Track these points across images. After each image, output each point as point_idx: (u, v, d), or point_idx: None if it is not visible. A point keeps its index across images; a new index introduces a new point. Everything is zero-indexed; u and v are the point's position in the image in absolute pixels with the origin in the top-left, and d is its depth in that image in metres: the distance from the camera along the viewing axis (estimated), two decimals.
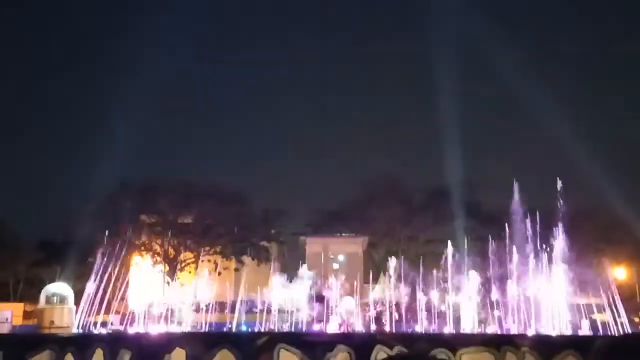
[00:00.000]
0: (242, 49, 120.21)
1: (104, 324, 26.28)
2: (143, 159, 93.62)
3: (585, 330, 27.12)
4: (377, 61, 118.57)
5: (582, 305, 35.58)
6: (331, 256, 62.85)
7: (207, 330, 23.01)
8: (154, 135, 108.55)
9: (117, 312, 35.83)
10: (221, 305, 39.09)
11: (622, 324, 28.30)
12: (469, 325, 27.30)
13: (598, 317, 37.04)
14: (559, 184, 33.54)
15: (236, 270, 54.59)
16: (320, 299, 35.41)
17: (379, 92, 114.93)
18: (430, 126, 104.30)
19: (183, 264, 55.56)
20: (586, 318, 32.53)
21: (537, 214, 36.11)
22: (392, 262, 35.34)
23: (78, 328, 19.36)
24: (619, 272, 57.23)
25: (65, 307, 18.69)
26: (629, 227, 54.96)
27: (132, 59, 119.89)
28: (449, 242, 31.51)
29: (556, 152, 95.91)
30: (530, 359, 10.08)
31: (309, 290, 34.68)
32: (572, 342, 10.79)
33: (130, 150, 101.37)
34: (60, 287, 21.20)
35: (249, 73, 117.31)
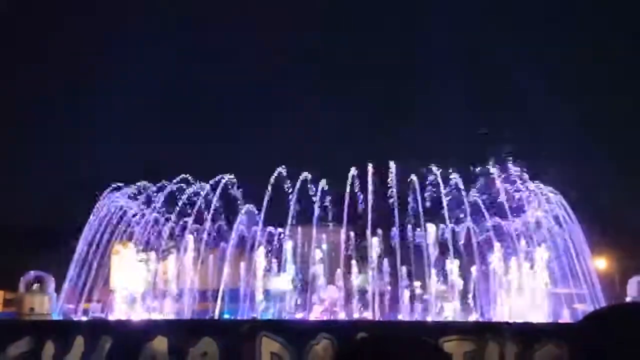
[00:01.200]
0: (216, 42, 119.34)
1: (85, 311, 26.12)
2: (127, 144, 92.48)
3: (565, 319, 27.56)
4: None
5: (563, 295, 36.13)
6: (315, 245, 62.95)
7: (189, 318, 22.98)
8: (134, 126, 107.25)
9: (99, 300, 35.63)
10: (203, 294, 39.03)
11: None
12: (451, 314, 27.59)
13: (579, 306, 37.63)
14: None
15: (218, 258, 54.50)
16: (303, 287, 35.51)
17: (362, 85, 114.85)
18: (413, 114, 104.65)
19: (165, 252, 55.35)
20: (567, 308, 33.05)
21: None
22: (375, 245, 35.55)
23: (59, 315, 19.20)
24: (599, 262, 58.18)
25: (46, 294, 18.54)
26: (609, 217, 55.84)
27: (113, 53, 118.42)
28: (431, 229, 31.66)
29: (538, 141, 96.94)
30: (512, 346, 10.22)
31: (292, 278, 34.75)
32: (553, 330, 10.95)
33: (113, 139, 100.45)
34: (40, 274, 21.01)
35: (223, 68, 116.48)
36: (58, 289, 22.94)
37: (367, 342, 1.46)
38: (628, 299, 26.28)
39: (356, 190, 60.10)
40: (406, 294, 31.47)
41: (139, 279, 52.17)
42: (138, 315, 22.51)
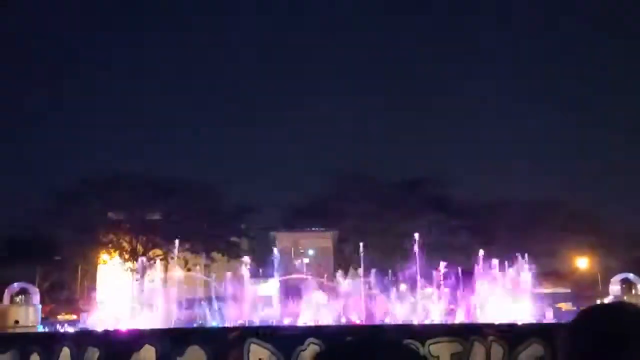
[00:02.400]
0: (207, 40, 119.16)
1: (71, 323, 25.77)
2: (108, 155, 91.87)
3: (549, 318, 27.74)
4: (344, 53, 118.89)
5: (546, 294, 36.46)
6: (301, 251, 62.92)
7: (176, 326, 22.78)
8: (118, 131, 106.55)
9: (85, 311, 35.25)
10: (191, 302, 38.73)
11: None
12: (438, 317, 27.65)
13: (562, 305, 38.02)
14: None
15: (206, 266, 54.23)
16: (290, 293, 35.38)
17: (348, 85, 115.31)
18: (399, 120, 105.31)
19: (152, 261, 54.88)
20: (550, 307, 33.28)
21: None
22: (362, 255, 35.55)
23: (44, 327, 18.93)
24: (582, 262, 58.78)
25: (31, 306, 18.24)
26: (591, 218, 56.49)
27: (94, 49, 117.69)
28: (416, 235, 31.80)
29: (520, 143, 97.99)
30: (497, 348, 10.28)
31: (279, 285, 34.61)
32: (537, 330, 11.03)
33: (94, 147, 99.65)
34: (25, 286, 20.69)
35: (214, 68, 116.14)
36: (43, 301, 22.66)
37: (344, 347, 1.45)
38: (610, 298, 26.57)
39: (343, 195, 60.44)
40: (393, 297, 31.50)
41: (126, 288, 51.75)
42: (125, 325, 22.26)
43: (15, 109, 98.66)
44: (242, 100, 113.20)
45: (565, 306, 40.57)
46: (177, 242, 43.20)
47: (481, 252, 31.90)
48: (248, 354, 10.14)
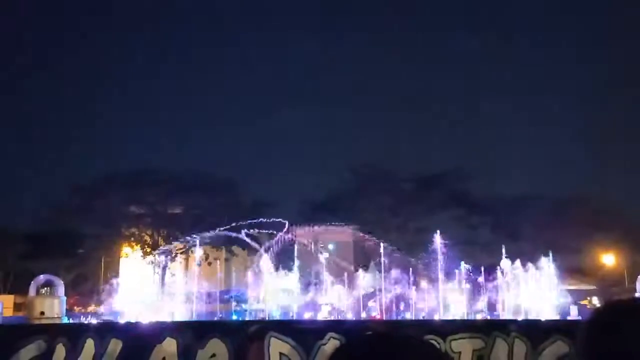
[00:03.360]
0: (224, 35, 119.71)
1: (94, 314, 26.23)
2: (130, 150, 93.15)
3: (573, 315, 27.42)
4: (363, 48, 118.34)
5: (571, 291, 35.98)
6: (321, 245, 63.05)
7: (197, 319, 23.03)
8: (140, 128, 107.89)
9: (108, 303, 35.78)
10: (211, 295, 39.15)
11: None
12: (459, 313, 27.53)
13: (587, 302, 37.52)
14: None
15: (226, 260, 54.65)
16: (311, 287, 35.52)
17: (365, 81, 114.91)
18: (419, 113, 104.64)
19: (173, 255, 55.49)
20: (575, 304, 32.88)
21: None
22: (382, 250, 35.47)
23: (68, 319, 19.30)
24: (608, 258, 57.89)
25: (56, 297, 18.62)
26: (617, 213, 55.57)
27: (115, 47, 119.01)
28: (438, 231, 31.62)
29: (543, 139, 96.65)
30: (520, 344, 10.17)
31: (298, 279, 34.77)
32: (561, 327, 10.89)
33: (117, 142, 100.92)
34: (50, 278, 21.11)
35: (231, 64, 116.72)
36: (68, 293, 23.07)
37: (366, 341, 1.45)
38: (638, 294, 26.14)
39: (363, 189, 60.35)
40: (414, 292, 31.43)
41: (148, 282, 52.42)
42: (147, 317, 22.58)
43: (40, 106, 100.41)
44: (261, 96, 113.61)
45: (590, 303, 40.04)
46: (198, 236, 43.62)
47: (503, 248, 31.67)
48: (269, 347, 10.19)
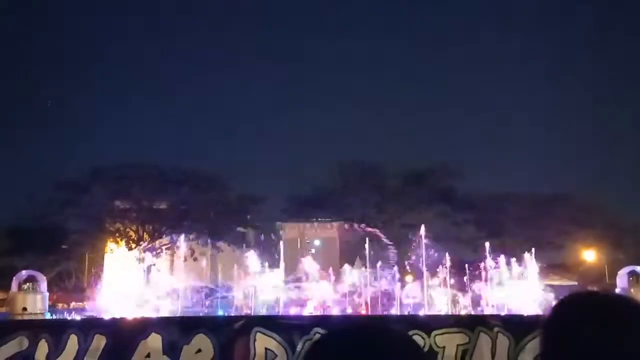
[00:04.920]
0: (212, 29, 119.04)
1: (78, 310, 25.96)
2: (115, 144, 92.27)
3: None
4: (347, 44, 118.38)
5: (553, 286, 36.31)
6: (307, 241, 63.08)
7: (182, 315, 22.91)
8: (125, 120, 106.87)
9: (92, 299, 35.44)
10: (197, 291, 38.95)
11: None
12: (444, 308, 27.69)
13: None
14: None
15: (212, 256, 54.46)
16: (296, 283, 35.47)
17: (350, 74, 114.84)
18: (405, 109, 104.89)
19: (159, 250, 55.16)
20: (557, 299, 33.20)
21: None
22: (367, 246, 35.57)
23: (51, 315, 19.08)
24: (589, 255, 58.62)
25: (38, 293, 18.38)
26: (598, 211, 56.29)
27: (100, 38, 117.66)
28: (422, 226, 31.74)
29: (528, 138, 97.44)
30: (503, 338, 10.26)
31: (284, 275, 34.72)
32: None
33: (102, 136, 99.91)
34: (32, 273, 20.83)
35: (217, 58, 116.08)
36: (50, 289, 22.83)
37: (347, 332, 1.44)
38: (618, 290, 26.47)
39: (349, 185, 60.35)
40: (399, 288, 31.54)
41: (133, 278, 51.98)
42: (132, 313, 22.41)
43: (21, 98, 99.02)
44: (246, 92, 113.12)
45: None
46: (182, 232, 43.42)
47: (487, 244, 31.87)
48: (254, 342, 10.18)
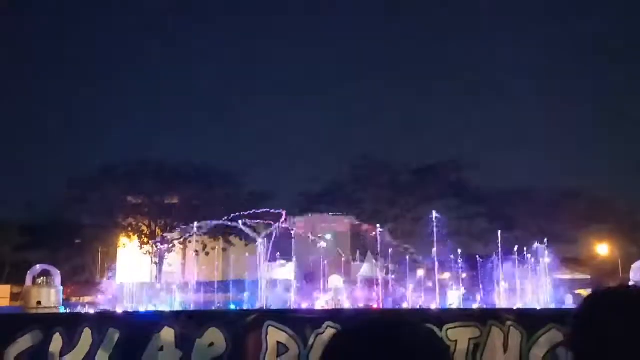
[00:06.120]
0: (219, 25, 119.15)
1: (91, 304, 26.20)
2: (128, 141, 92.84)
3: (568, 304, 27.57)
4: (358, 39, 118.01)
5: (566, 280, 36.15)
6: (319, 235, 63.06)
7: (195, 309, 23.07)
8: (138, 118, 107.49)
9: (105, 293, 35.79)
10: (209, 285, 39.21)
11: None
12: (456, 302, 27.63)
13: (582, 292, 37.67)
14: None
15: (224, 250, 54.65)
16: (307, 277, 35.61)
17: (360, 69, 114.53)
18: (415, 103, 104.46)
19: (170, 245, 55.48)
20: (570, 293, 33.04)
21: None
22: (379, 238, 35.54)
23: (65, 308, 19.29)
24: (602, 249, 58.19)
25: (52, 287, 18.59)
26: (611, 205, 55.83)
27: (112, 34, 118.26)
28: (434, 214, 31.45)
29: (539, 132, 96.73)
30: (515, 332, 10.21)
31: (295, 269, 34.84)
32: (556, 315, 10.93)
33: (115, 133, 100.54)
34: (47, 268, 21.07)
35: (232, 57, 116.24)
36: (64, 283, 23.10)
37: (364, 327, 1.43)
38: (631, 284, 26.26)
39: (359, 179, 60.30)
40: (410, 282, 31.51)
41: (145, 272, 52.39)
42: (144, 307, 22.61)
43: (35, 94, 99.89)
44: (259, 87, 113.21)
45: (585, 292, 40.23)
46: (195, 225, 43.60)
47: (499, 237, 31.73)
48: (266, 336, 10.21)
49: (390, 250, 36.85)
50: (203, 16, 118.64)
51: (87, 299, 40.79)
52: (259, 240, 32.66)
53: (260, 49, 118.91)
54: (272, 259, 36.36)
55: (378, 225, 35.82)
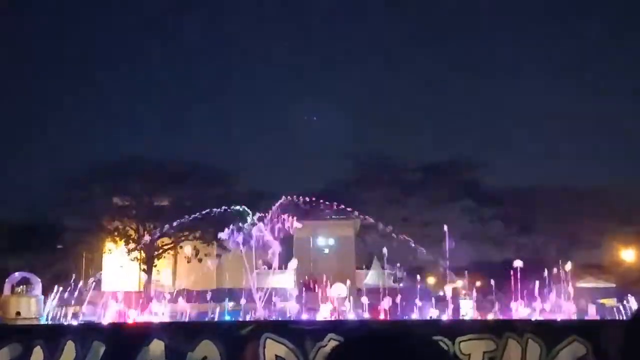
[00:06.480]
0: (215, 18, 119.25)
1: (75, 315, 26.20)
2: (114, 137, 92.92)
3: (592, 315, 27.55)
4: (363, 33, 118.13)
5: (589, 288, 36.10)
6: (321, 240, 63.10)
7: (187, 320, 23.09)
8: (124, 114, 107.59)
9: (90, 302, 35.78)
10: (202, 294, 39.20)
11: (630, 308, 28.72)
12: (469, 312, 27.62)
13: (605, 301, 37.65)
14: None
15: (218, 256, 54.64)
16: (309, 285, 35.59)
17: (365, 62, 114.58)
18: (423, 100, 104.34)
19: (160, 250, 55.53)
20: (593, 302, 32.97)
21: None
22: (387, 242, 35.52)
23: (46, 319, 19.30)
24: (628, 254, 58.03)
25: (33, 296, 18.58)
26: (637, 206, 55.69)
27: (99, 29, 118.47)
28: (445, 226, 31.51)
29: (561, 130, 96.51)
30: (534, 345, 10.20)
31: (295, 277, 34.84)
32: (578, 327, 10.92)
33: (100, 129, 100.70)
34: (26, 275, 21.05)
35: (225, 49, 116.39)
36: (45, 291, 23.08)
37: (365, 342, 1.43)
38: None
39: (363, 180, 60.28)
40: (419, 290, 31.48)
41: (132, 279, 52.49)
42: (132, 318, 22.62)
43: (14, 90, 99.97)
44: (255, 82, 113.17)
45: (608, 302, 40.16)
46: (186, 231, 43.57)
47: (516, 242, 31.70)
48: (264, 349, 10.22)
49: (397, 256, 36.84)
50: (203, 16, 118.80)
51: (71, 309, 40.80)
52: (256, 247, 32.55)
53: (260, 48, 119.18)
54: (270, 266, 36.26)
55: (385, 227, 35.73)
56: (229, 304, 29.51)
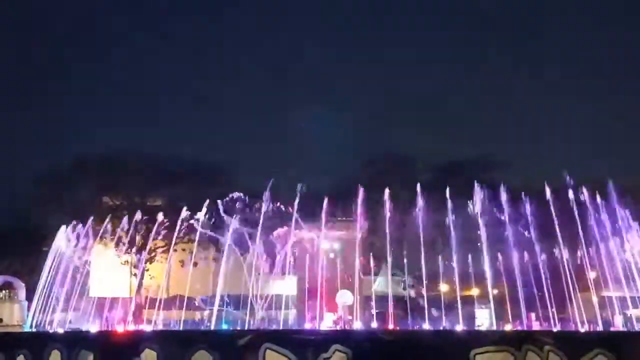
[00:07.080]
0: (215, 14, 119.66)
1: (61, 322, 26.33)
2: (102, 134, 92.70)
3: (618, 326, 27.53)
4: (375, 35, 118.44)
5: (615, 298, 35.93)
6: (326, 244, 62.99)
7: (181, 328, 23.20)
8: (115, 108, 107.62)
9: (77, 309, 35.93)
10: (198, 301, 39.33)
11: None
12: (486, 322, 27.63)
13: (633, 312, 37.51)
14: None
15: (215, 260, 54.66)
16: (312, 292, 35.60)
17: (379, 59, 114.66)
18: (437, 97, 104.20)
19: (153, 254, 55.53)
20: (619, 313, 32.89)
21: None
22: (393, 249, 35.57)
23: (31, 327, 19.40)
24: None
25: (16, 302, 18.67)
26: None
27: (90, 19, 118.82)
28: (452, 231, 31.47)
29: (584, 122, 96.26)
30: (555, 359, 10.20)
31: (298, 283, 34.91)
32: (603, 340, 10.91)
33: (88, 122, 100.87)
34: (9, 280, 21.17)
35: (224, 43, 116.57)
36: (30, 297, 23.28)
37: (379, 352, 1.45)
38: None
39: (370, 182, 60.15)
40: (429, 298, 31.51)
41: (123, 285, 52.51)
42: (123, 325, 22.75)
43: None
44: (258, 79, 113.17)
45: (636, 312, 40.04)
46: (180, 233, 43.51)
47: (537, 248, 31.67)
48: None
49: (406, 261, 36.84)
50: (203, 14, 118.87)
51: (56, 315, 41.03)
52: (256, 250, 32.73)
53: (260, 39, 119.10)
54: (271, 271, 36.41)
55: (395, 231, 35.76)
56: (225, 311, 29.66)
